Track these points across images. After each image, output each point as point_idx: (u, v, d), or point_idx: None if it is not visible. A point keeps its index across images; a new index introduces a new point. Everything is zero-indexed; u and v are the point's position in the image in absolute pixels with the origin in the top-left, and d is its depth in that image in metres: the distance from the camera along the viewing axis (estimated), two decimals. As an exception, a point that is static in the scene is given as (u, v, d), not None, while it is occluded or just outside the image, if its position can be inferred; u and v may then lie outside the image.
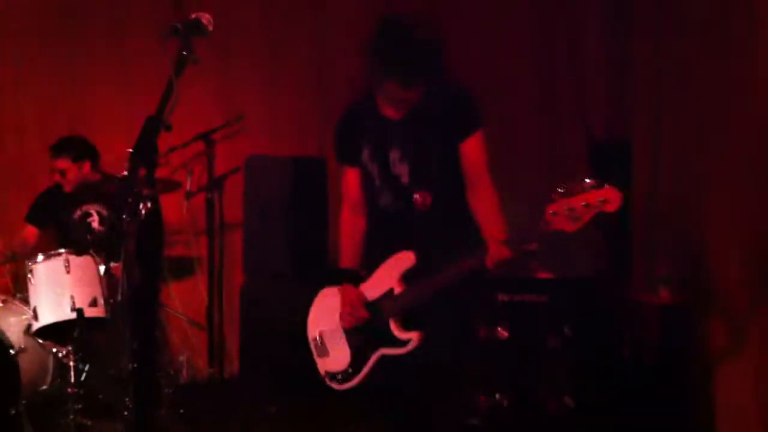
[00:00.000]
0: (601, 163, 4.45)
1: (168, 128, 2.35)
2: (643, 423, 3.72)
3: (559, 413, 3.96)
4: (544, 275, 4.13)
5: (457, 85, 2.77)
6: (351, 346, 2.90)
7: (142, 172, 2.28)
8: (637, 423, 3.73)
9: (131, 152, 2.29)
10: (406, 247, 2.76)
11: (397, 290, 2.76)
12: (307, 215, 4.64)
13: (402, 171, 2.78)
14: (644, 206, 4.29)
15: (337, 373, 2.94)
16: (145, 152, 2.30)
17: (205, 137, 4.63)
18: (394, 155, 2.79)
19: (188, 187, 4.73)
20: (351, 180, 2.93)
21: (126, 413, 3.88)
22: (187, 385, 4.79)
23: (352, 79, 2.84)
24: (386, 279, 2.80)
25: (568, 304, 4.01)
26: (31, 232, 4.56)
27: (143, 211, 2.24)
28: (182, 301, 4.90)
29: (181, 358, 4.84)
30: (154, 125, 2.32)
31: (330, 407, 4.00)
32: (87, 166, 4.45)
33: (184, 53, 2.37)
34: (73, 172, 4.43)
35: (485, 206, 2.74)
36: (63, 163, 4.41)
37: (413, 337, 2.73)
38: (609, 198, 2.34)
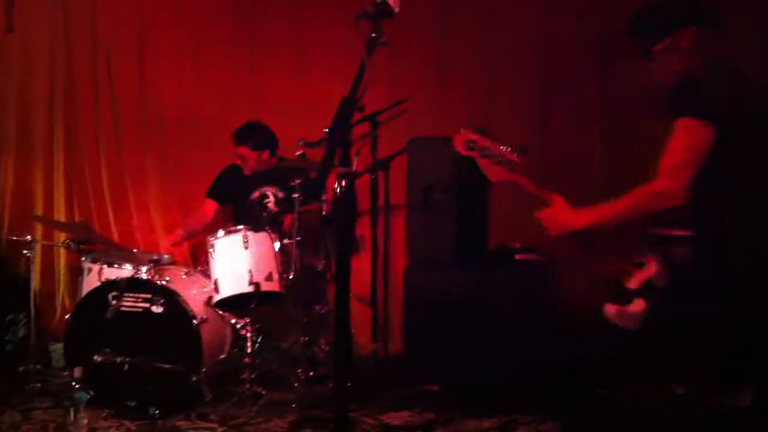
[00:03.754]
0: None
1: (361, 109, 2.42)
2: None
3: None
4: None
5: None
6: None
7: (338, 151, 2.37)
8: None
9: (327, 132, 2.37)
10: None
11: None
12: (470, 198, 4.65)
13: None
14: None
15: None
16: (341, 132, 2.39)
17: (371, 119, 4.71)
18: None
19: (354, 168, 4.82)
20: None
21: (297, 384, 4.07)
22: (352, 361, 4.91)
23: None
24: None
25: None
26: (209, 206, 4.81)
27: (339, 189, 2.33)
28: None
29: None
30: (349, 106, 2.40)
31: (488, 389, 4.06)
32: (266, 154, 4.64)
33: (374, 35, 2.44)
34: (252, 159, 4.64)
35: None
36: (244, 150, 4.63)
37: None
38: None
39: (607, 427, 3.41)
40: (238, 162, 4.68)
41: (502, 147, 2.72)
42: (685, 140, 2.55)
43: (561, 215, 2.77)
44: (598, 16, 4.97)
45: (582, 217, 2.74)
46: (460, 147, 2.76)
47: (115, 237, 5.28)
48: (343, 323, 2.68)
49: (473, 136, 2.74)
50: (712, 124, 2.52)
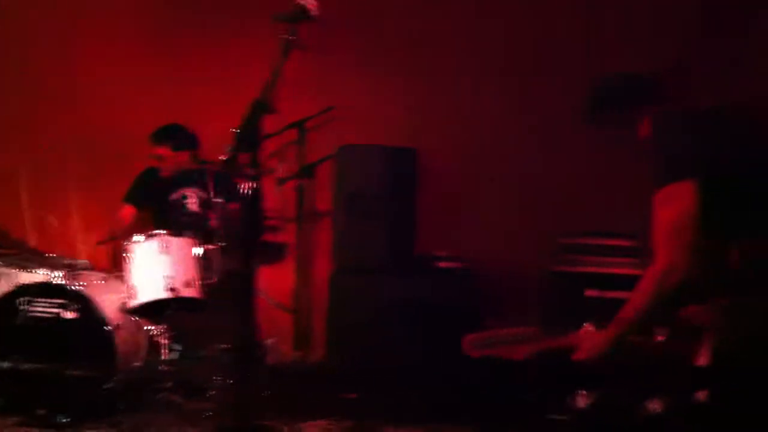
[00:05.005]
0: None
1: (271, 111, 2.39)
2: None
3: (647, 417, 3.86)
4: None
5: None
6: None
7: (246, 153, 2.33)
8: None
9: (235, 132, 2.33)
10: None
11: None
12: (397, 206, 4.65)
13: None
14: None
15: None
16: (250, 133, 2.35)
17: (299, 125, 4.68)
18: None
19: (280, 174, 4.79)
20: None
21: (214, 392, 4.00)
22: (273, 368, 4.85)
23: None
24: None
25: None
26: (127, 211, 4.70)
27: (247, 192, 2.29)
28: (270, 285, 4.96)
29: (268, 341, 4.90)
30: (259, 108, 2.36)
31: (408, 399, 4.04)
32: (185, 155, 4.55)
33: (290, 38, 2.41)
34: (171, 160, 4.55)
35: None
36: (163, 150, 4.54)
37: None
38: None
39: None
40: (155, 164, 4.58)
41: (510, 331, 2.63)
42: (670, 209, 2.47)
43: (590, 345, 2.58)
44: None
45: (609, 334, 2.56)
46: (474, 352, 2.58)
47: (32, 241, 5.13)
48: (247, 336, 2.62)
49: (485, 335, 2.61)
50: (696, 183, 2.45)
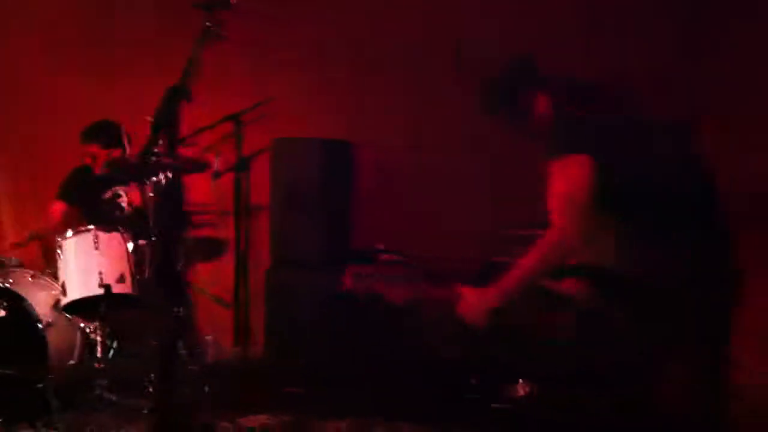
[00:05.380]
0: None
1: (188, 98, 2.37)
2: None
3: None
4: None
5: None
6: None
7: (163, 141, 2.31)
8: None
9: (151, 120, 2.31)
10: None
11: None
12: (332, 199, 4.65)
13: None
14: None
15: None
16: (166, 120, 2.33)
17: (234, 118, 4.65)
18: None
19: (216, 168, 4.76)
20: None
21: (150, 389, 3.95)
22: (213, 364, 4.82)
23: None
24: None
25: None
26: (58, 208, 4.63)
27: (164, 180, 2.27)
28: (209, 281, 4.93)
29: (208, 337, 4.88)
30: (175, 94, 2.34)
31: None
32: (117, 153, 4.50)
33: (208, 25, 2.39)
34: (103, 157, 4.50)
35: None
36: (93, 148, 4.48)
37: None
38: None
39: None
40: (89, 161, 4.52)
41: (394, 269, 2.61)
42: (566, 179, 2.51)
43: (473, 300, 2.60)
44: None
45: (492, 293, 2.60)
46: (354, 285, 2.63)
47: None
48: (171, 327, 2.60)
49: (369, 268, 2.63)
50: (590, 158, 2.48)
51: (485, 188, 5.00)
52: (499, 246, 4.43)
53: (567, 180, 2.47)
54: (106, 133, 4.49)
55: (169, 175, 2.30)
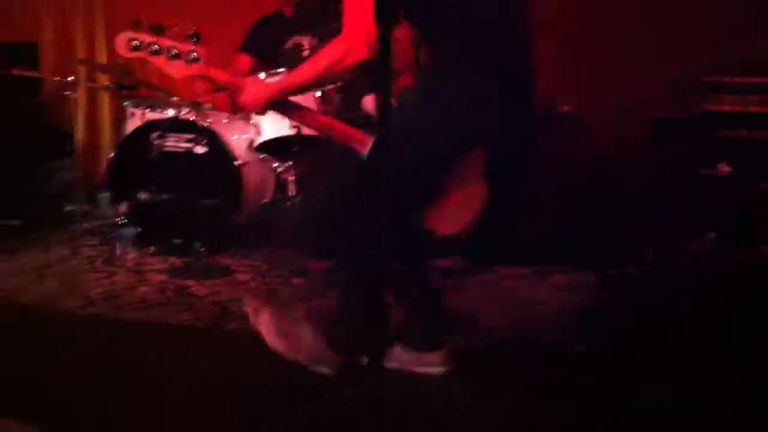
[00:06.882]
0: None
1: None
2: None
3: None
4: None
5: None
6: None
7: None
8: None
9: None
10: None
11: None
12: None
13: None
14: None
15: None
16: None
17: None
18: None
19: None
20: None
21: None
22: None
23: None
24: None
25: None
26: (244, 61, 4.64)
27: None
28: None
29: None
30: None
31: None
32: None
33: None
34: None
35: None
36: None
37: None
38: None
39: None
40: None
41: (173, 41, 2.38)
42: None
43: (254, 89, 2.48)
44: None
45: (275, 86, 2.55)
46: (123, 50, 2.41)
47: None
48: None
49: (137, 35, 2.39)
50: None
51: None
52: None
53: None
54: None
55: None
